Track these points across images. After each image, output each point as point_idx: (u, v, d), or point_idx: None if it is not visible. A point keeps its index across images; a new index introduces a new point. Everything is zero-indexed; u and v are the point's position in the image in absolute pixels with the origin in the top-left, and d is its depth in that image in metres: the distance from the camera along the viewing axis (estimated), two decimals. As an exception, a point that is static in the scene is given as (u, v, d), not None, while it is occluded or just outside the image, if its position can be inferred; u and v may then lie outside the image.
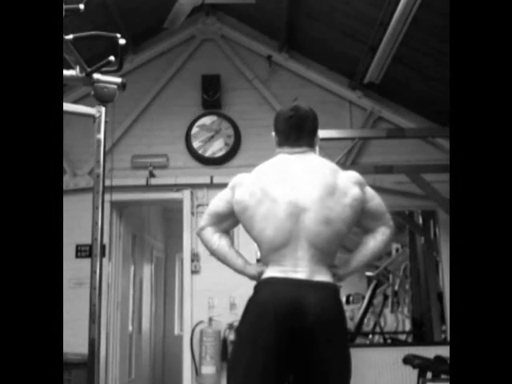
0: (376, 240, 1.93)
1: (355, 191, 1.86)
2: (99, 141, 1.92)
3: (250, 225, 1.87)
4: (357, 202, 1.85)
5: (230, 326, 4.59)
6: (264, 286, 1.80)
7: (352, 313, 6.97)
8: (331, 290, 1.80)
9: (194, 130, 5.10)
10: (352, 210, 1.83)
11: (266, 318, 1.71)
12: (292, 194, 1.80)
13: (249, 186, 1.87)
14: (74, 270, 4.63)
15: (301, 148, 1.95)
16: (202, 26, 5.34)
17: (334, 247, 1.85)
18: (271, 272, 1.81)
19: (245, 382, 1.73)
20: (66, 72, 1.89)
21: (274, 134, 2.02)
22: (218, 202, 1.98)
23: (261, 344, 1.71)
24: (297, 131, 1.95)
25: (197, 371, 4.62)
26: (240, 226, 1.97)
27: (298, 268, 1.77)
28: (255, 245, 1.91)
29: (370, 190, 1.94)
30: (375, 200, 1.94)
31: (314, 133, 2.00)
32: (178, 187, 4.98)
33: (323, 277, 1.79)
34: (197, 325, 4.70)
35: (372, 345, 6.16)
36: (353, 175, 1.92)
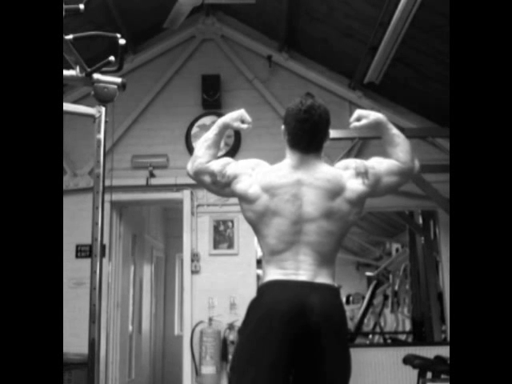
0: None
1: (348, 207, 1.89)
2: (99, 141, 1.92)
3: (257, 228, 1.91)
4: (354, 216, 1.92)
5: (230, 326, 4.59)
6: (268, 289, 1.84)
7: (352, 313, 6.98)
8: (333, 291, 1.85)
9: (194, 129, 5.10)
10: (347, 223, 1.90)
11: (272, 319, 1.75)
12: (297, 213, 1.84)
13: (263, 197, 1.87)
14: (74, 270, 4.64)
15: (311, 153, 1.92)
16: (202, 25, 5.33)
17: (335, 251, 1.91)
18: (274, 275, 1.84)
19: (253, 380, 1.75)
20: (65, 72, 1.89)
21: (283, 127, 1.98)
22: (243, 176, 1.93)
23: (268, 343, 1.74)
24: (309, 137, 1.92)
25: (197, 371, 4.62)
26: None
27: (300, 271, 1.81)
28: (255, 247, 1.92)
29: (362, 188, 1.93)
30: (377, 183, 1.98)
31: (325, 136, 1.97)
32: (178, 187, 4.98)
33: (325, 279, 1.83)
34: (197, 325, 4.70)
35: (372, 345, 6.17)
36: (350, 191, 1.90)
